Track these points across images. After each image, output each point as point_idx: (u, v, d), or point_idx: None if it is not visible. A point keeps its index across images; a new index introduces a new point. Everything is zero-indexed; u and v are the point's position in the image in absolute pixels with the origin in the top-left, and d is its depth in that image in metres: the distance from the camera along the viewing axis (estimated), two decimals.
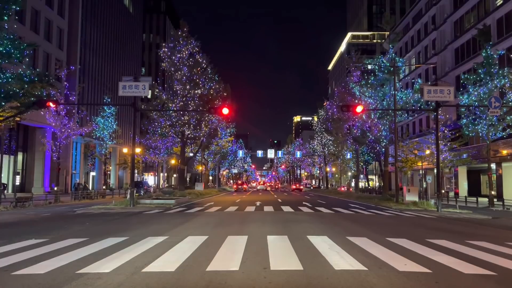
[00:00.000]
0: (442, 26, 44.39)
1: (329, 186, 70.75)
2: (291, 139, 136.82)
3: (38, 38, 34.87)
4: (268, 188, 78.01)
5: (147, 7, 77.48)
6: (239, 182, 70.67)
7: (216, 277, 5.36)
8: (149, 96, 31.29)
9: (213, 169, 64.49)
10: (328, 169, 68.37)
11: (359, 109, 20.89)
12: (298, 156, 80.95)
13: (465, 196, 30.09)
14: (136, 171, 42.37)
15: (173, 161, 52.68)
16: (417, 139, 41.40)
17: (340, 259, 6.58)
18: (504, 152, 30.36)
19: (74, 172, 45.10)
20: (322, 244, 8.17)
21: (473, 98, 24.97)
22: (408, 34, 55.29)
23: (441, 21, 44.98)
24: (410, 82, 48.02)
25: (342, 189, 57.71)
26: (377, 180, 61.22)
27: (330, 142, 54.80)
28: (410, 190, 23.64)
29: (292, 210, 18.33)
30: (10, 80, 17.07)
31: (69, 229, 11.02)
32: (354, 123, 36.31)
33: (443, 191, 32.89)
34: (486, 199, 26.88)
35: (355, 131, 36.70)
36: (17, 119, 21.29)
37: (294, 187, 67.15)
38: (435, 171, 28.01)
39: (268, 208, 19.40)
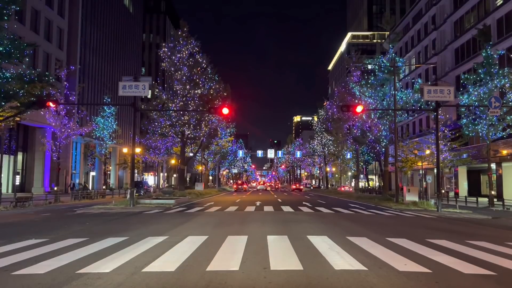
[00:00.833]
0: (442, 26, 44.39)
1: (329, 186, 70.75)
2: (291, 139, 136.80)
3: (38, 38, 34.85)
4: (268, 188, 78.01)
5: (147, 7, 77.49)
6: (239, 182, 70.66)
7: (216, 277, 5.36)
8: (149, 96, 31.34)
9: (213, 169, 64.48)
10: (328, 169, 68.38)
11: (359, 109, 20.89)
12: (298, 156, 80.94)
13: (465, 196, 30.08)
14: (136, 171, 42.38)
15: (173, 161, 52.69)
16: (417, 139, 41.40)
17: (340, 259, 6.58)
18: (504, 152, 30.36)
19: (74, 172, 45.10)
20: (322, 244, 8.17)
21: (473, 98, 24.96)
22: (408, 34, 55.29)
23: (441, 21, 44.98)
24: (410, 82, 48.03)
25: (342, 189, 57.75)
26: (377, 180, 61.22)
27: (330, 142, 54.83)
28: (410, 190, 23.64)
29: (292, 210, 18.33)
30: (10, 80, 17.07)
31: (69, 229, 11.01)
32: (354, 123, 36.31)
33: (443, 191, 32.88)
34: (486, 199, 26.88)
35: (355, 131, 36.70)
36: (17, 119, 21.27)
37: (294, 187, 67.15)
38: (435, 171, 28.02)
39: (268, 208, 19.40)
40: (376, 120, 30.13)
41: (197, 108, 32.06)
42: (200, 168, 51.94)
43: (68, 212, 17.42)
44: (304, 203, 25.11)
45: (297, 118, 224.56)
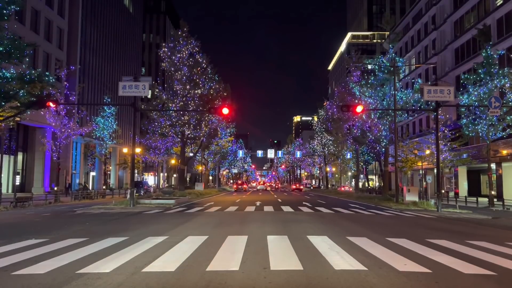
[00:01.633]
0: (442, 26, 44.39)
1: (329, 186, 70.75)
2: (291, 139, 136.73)
3: (38, 38, 34.85)
4: (268, 188, 77.99)
5: (147, 7, 77.49)
6: (239, 182, 70.63)
7: (216, 277, 5.36)
8: (149, 96, 31.32)
9: (213, 169, 64.48)
10: (328, 169, 68.38)
11: (359, 109, 20.89)
12: (298, 156, 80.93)
13: (465, 196, 30.08)
14: (136, 171, 42.39)
15: (173, 161, 52.71)
16: (417, 139, 41.40)
17: (340, 259, 6.58)
18: (504, 152, 30.36)
19: (74, 172, 45.09)
20: (322, 244, 8.17)
21: (473, 98, 24.96)
22: (408, 34, 55.29)
23: (441, 21, 44.98)
24: (410, 82, 48.03)
25: (342, 189, 57.75)
26: (377, 180, 61.22)
27: (330, 142, 54.82)
28: (410, 190, 23.64)
29: (292, 210, 18.33)
30: (10, 80, 17.07)
31: (69, 229, 11.02)
32: (354, 123, 36.31)
33: (443, 191, 32.88)
34: (486, 199, 26.88)
35: (355, 131, 36.70)
36: (17, 119, 21.27)
37: (294, 187, 67.14)
38: (435, 171, 28.02)
39: (268, 208, 19.40)
40: (376, 120, 30.13)
41: (197, 108, 32.06)
42: (200, 168, 51.93)
43: (68, 212, 17.42)
44: (304, 203, 25.11)
45: (297, 118, 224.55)
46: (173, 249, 7.46)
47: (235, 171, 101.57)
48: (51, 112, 26.50)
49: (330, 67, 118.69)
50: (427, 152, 32.10)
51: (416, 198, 22.93)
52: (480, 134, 25.70)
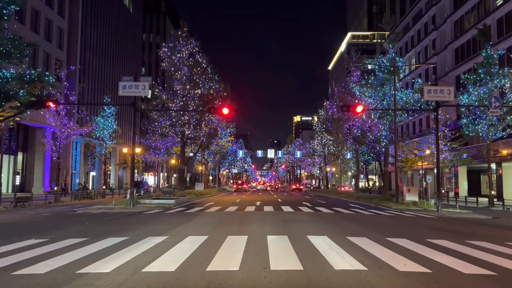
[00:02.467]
0: (442, 26, 44.39)
1: (329, 186, 70.75)
2: (291, 139, 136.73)
3: (38, 38, 34.85)
4: (268, 188, 78.00)
5: (147, 7, 77.48)
6: (239, 182, 70.63)
7: (216, 277, 5.36)
8: (149, 96, 31.31)
9: (213, 169, 64.48)
10: (328, 169, 68.38)
11: (359, 109, 20.89)
12: (298, 156, 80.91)
13: (465, 196, 30.07)
14: (136, 171, 42.38)
15: (173, 161, 52.70)
16: (417, 139, 41.40)
17: (340, 259, 6.58)
18: (504, 152, 30.36)
19: (74, 172, 45.10)
20: (322, 244, 8.17)
21: (473, 98, 24.96)
22: (408, 34, 55.29)
23: (441, 21, 44.98)
24: (410, 82, 48.04)
25: (342, 189, 57.74)
26: (377, 180, 61.22)
27: (330, 142, 54.82)
28: (410, 190, 23.63)
29: (292, 210, 18.33)
30: (10, 80, 17.07)
31: (69, 229, 11.02)
32: (354, 123, 36.30)
33: (443, 191, 32.88)
34: (486, 199, 26.88)
35: (355, 131, 36.70)
36: (17, 119, 21.28)
37: (294, 187, 67.13)
38: (435, 171, 28.02)
39: (268, 208, 19.40)
40: (376, 120, 30.13)
41: (197, 108, 32.06)
42: (200, 168, 51.93)
43: (68, 212, 17.43)
44: (304, 203, 25.11)
45: (297, 118, 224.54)
46: (173, 249, 7.46)
47: (235, 171, 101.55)
48: (51, 112, 26.51)
49: (330, 67, 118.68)
50: (427, 152, 32.09)
51: (416, 198, 22.92)
52: (480, 134, 25.70)
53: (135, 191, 22.26)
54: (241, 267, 5.95)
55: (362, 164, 50.77)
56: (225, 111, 20.75)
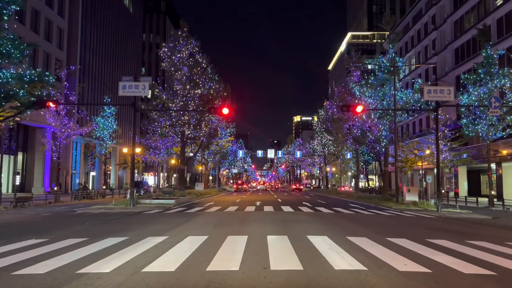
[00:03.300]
0: (442, 26, 44.39)
1: (329, 186, 70.74)
2: (291, 139, 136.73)
3: (38, 38, 34.86)
4: (268, 188, 77.98)
5: (147, 7, 77.49)
6: (239, 182, 70.62)
7: (216, 277, 5.36)
8: (149, 96, 31.28)
9: (213, 169, 64.48)
10: (328, 169, 68.37)
11: (359, 109, 20.89)
12: (298, 156, 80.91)
13: (465, 196, 30.07)
14: (136, 171, 42.37)
15: (173, 161, 52.70)
16: (417, 139, 41.40)
17: (340, 259, 6.58)
18: (504, 152, 30.36)
19: (74, 172, 45.10)
20: (322, 244, 8.17)
21: (473, 98, 24.95)
22: (408, 34, 55.29)
23: (441, 21, 44.98)
24: (410, 82, 48.03)
25: (342, 189, 57.75)
26: (377, 180, 61.23)
27: (330, 142, 54.80)
28: (410, 190, 23.62)
29: (292, 210, 18.33)
30: (10, 80, 17.07)
31: (69, 229, 11.02)
32: (354, 123, 36.31)
33: (443, 191, 32.87)
34: (486, 199, 26.87)
35: (355, 131, 36.70)
36: (17, 119, 21.27)
37: (294, 187, 67.12)
38: (435, 171, 28.02)
39: (268, 208, 19.40)
40: (376, 120, 30.13)
41: (197, 108, 32.06)
42: (200, 168, 51.92)
43: (68, 212, 17.43)
44: (304, 203, 25.11)
45: (297, 118, 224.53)
46: (173, 249, 7.46)
47: (235, 171, 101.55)
48: (51, 112, 26.50)
49: (330, 67, 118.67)
50: (427, 152, 32.09)
51: (416, 198, 22.92)
52: (480, 134, 25.69)
53: (135, 191, 22.25)
54: (241, 267, 5.95)
55: (362, 164, 50.76)
56: (225, 111, 20.75)
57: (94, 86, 51.04)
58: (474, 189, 37.10)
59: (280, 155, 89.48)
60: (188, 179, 62.06)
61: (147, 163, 58.57)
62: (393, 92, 26.27)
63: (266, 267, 5.95)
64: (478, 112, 25.20)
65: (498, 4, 34.67)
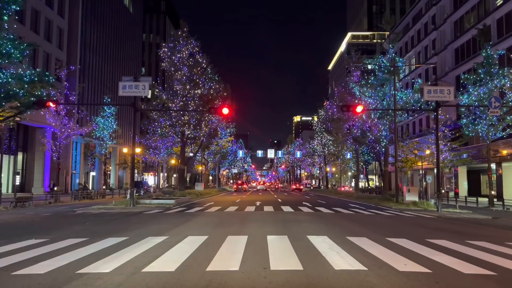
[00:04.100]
0: (442, 26, 44.39)
1: (329, 186, 70.74)
2: (291, 139, 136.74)
3: (38, 38, 34.85)
4: (268, 188, 77.98)
5: (147, 7, 77.49)
6: (239, 182, 70.62)
7: (216, 277, 5.36)
8: (149, 96, 31.26)
9: (213, 169, 64.48)
10: (328, 169, 68.38)
11: (359, 109, 20.89)
12: (298, 156, 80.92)
13: (465, 196, 30.07)
14: (136, 171, 42.39)
15: (173, 161, 52.68)
16: (417, 139, 41.39)
17: (340, 259, 6.58)
18: (504, 152, 30.36)
19: (74, 172, 45.10)
20: (322, 244, 8.17)
21: (473, 98, 24.96)
22: (408, 34, 55.28)
23: (441, 21, 44.97)
24: (410, 82, 48.02)
25: (342, 189, 57.76)
26: (377, 180, 61.22)
27: (330, 142, 54.79)
28: (410, 190, 23.63)
29: (292, 210, 18.33)
30: (10, 80, 17.07)
31: (69, 229, 11.02)
32: (354, 123, 36.30)
33: (443, 191, 32.87)
34: (486, 199, 26.87)
35: (355, 131, 36.69)
36: (17, 119, 21.28)
37: (294, 187, 67.12)
38: (435, 171, 28.01)
39: (268, 208, 19.40)
40: (376, 120, 30.12)
41: (197, 108, 32.05)
42: (200, 168, 51.92)
43: (68, 212, 17.43)
44: (304, 203, 25.10)
45: (297, 118, 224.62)
46: (173, 249, 7.46)
47: (235, 171, 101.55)
48: (51, 112, 26.52)
49: (330, 67, 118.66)
50: (427, 152, 32.09)
51: (416, 198, 22.92)
52: (480, 134, 25.69)
53: (135, 191, 22.25)
54: (241, 267, 5.95)
55: (362, 164, 50.76)
56: (225, 111, 20.75)
57: (94, 86, 51.04)
58: (474, 189, 37.08)
59: (280, 155, 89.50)
60: (188, 179, 62.06)
61: (147, 163, 58.61)
62: (393, 92, 26.27)
63: (266, 267, 5.95)
64: (478, 112, 25.20)
65: (498, 4, 34.66)
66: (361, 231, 10.52)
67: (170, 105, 32.41)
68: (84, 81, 46.66)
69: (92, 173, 52.96)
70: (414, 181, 47.04)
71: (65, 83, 29.46)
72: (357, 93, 32.39)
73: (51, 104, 18.86)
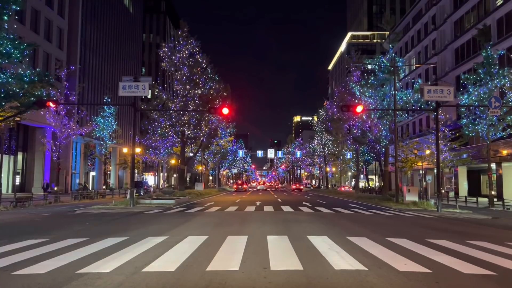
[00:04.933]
0: (442, 26, 44.39)
1: (329, 186, 70.74)
2: (291, 139, 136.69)
3: (38, 38, 34.86)
4: (268, 188, 77.97)
5: (147, 7, 77.49)
6: (239, 182, 70.60)
7: (216, 277, 5.36)
8: (149, 96, 31.30)
9: (213, 169, 64.47)
10: (328, 169, 68.37)
11: (359, 109, 20.88)
12: (298, 156, 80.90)
13: (465, 196, 30.07)
14: (136, 171, 42.38)
15: (173, 161, 52.69)
16: (417, 139, 41.40)
17: (340, 259, 6.58)
18: (504, 152, 30.36)
19: (74, 172, 45.10)
20: (322, 244, 8.17)
21: (473, 98, 24.96)
22: (408, 34, 55.28)
23: (441, 21, 44.97)
24: (410, 82, 48.01)
25: (342, 189, 57.76)
26: (377, 180, 61.22)
27: (330, 142, 54.81)
28: (410, 190, 23.63)
29: (292, 210, 18.32)
30: (10, 80, 17.07)
31: (69, 229, 11.02)
32: (354, 123, 36.28)
33: (443, 191, 32.87)
34: (486, 199, 26.87)
35: (355, 131, 36.68)
36: (17, 119, 21.27)
37: (294, 187, 67.12)
38: (435, 171, 28.02)
39: (268, 208, 19.40)
40: (376, 120, 30.12)
41: (197, 108, 32.05)
42: (200, 168, 51.93)
43: (68, 212, 17.43)
44: (304, 203, 25.10)
45: (297, 118, 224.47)
46: (173, 249, 7.46)
47: (235, 171, 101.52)
48: (51, 112, 26.49)
49: (330, 67, 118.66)
50: (427, 152, 32.08)
51: (416, 198, 22.92)
52: (480, 134, 25.69)
53: (135, 191, 22.25)
54: (241, 267, 5.94)
55: (362, 164, 50.76)
56: (225, 111, 20.74)
57: (94, 86, 51.05)
58: (474, 189, 37.08)
59: (280, 155, 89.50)
60: (188, 179, 62.08)
61: (147, 163, 58.59)
62: (393, 92, 26.26)
63: (266, 267, 5.95)
64: (478, 112, 25.20)
65: (498, 4, 34.66)
66: (361, 231, 10.52)
67: (170, 105, 32.40)
68: (84, 81, 46.67)
69: (92, 173, 52.96)
70: (414, 181, 47.04)
71: (65, 83, 29.42)
72: (357, 93, 32.39)
73: (51, 104, 18.85)
